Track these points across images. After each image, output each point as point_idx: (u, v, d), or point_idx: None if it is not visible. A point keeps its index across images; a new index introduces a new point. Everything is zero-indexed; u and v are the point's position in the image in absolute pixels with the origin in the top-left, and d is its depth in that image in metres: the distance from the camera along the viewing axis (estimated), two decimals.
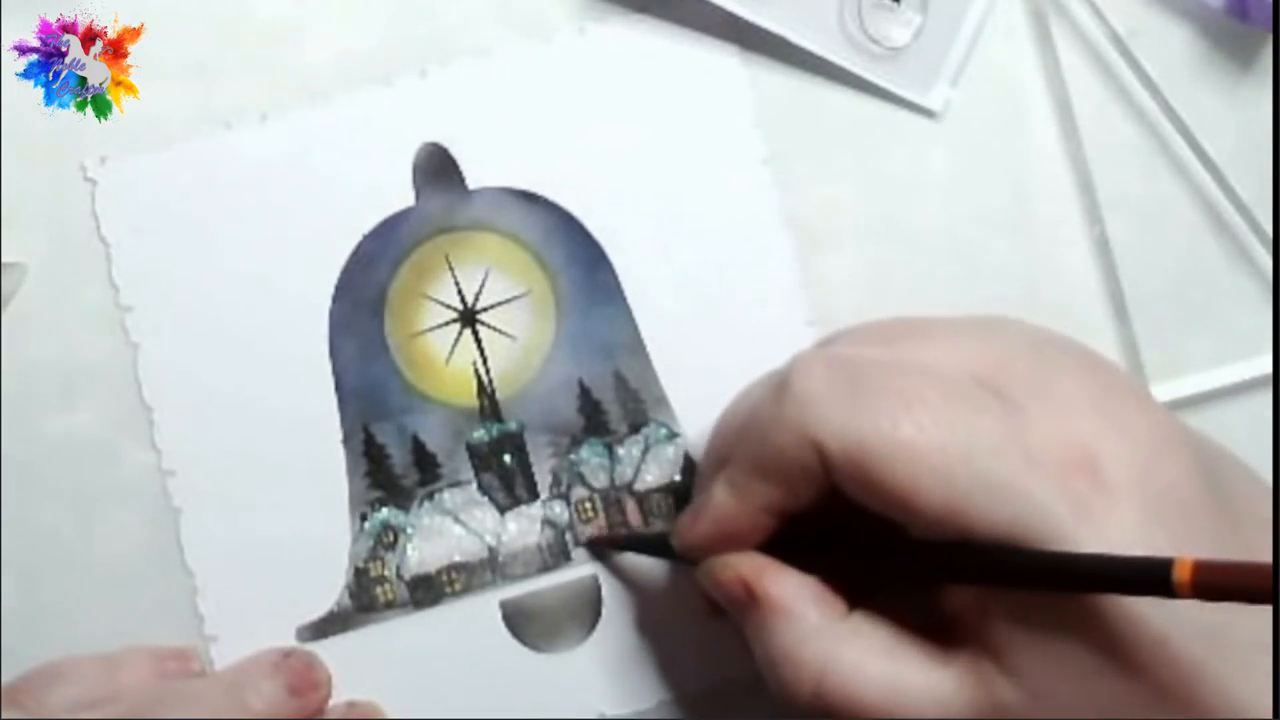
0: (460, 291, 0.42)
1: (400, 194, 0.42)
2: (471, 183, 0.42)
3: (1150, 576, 0.29)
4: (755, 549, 0.36)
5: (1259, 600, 0.27)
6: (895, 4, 0.42)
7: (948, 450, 0.32)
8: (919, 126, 0.43)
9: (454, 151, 0.42)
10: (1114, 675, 0.31)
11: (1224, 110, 0.43)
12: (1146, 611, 0.30)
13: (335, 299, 0.42)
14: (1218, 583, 0.28)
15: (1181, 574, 0.28)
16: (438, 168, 0.42)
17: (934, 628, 0.34)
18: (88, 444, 0.42)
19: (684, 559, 0.38)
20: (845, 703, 0.34)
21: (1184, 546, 0.30)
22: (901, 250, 0.43)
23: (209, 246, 0.42)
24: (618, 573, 0.42)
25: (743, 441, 0.36)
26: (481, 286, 0.42)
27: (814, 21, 0.42)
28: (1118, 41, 0.42)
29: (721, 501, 0.36)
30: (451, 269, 0.42)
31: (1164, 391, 0.42)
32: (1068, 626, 0.31)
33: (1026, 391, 0.33)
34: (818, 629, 0.34)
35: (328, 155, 0.42)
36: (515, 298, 0.42)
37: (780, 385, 0.34)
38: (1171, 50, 0.43)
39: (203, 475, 0.42)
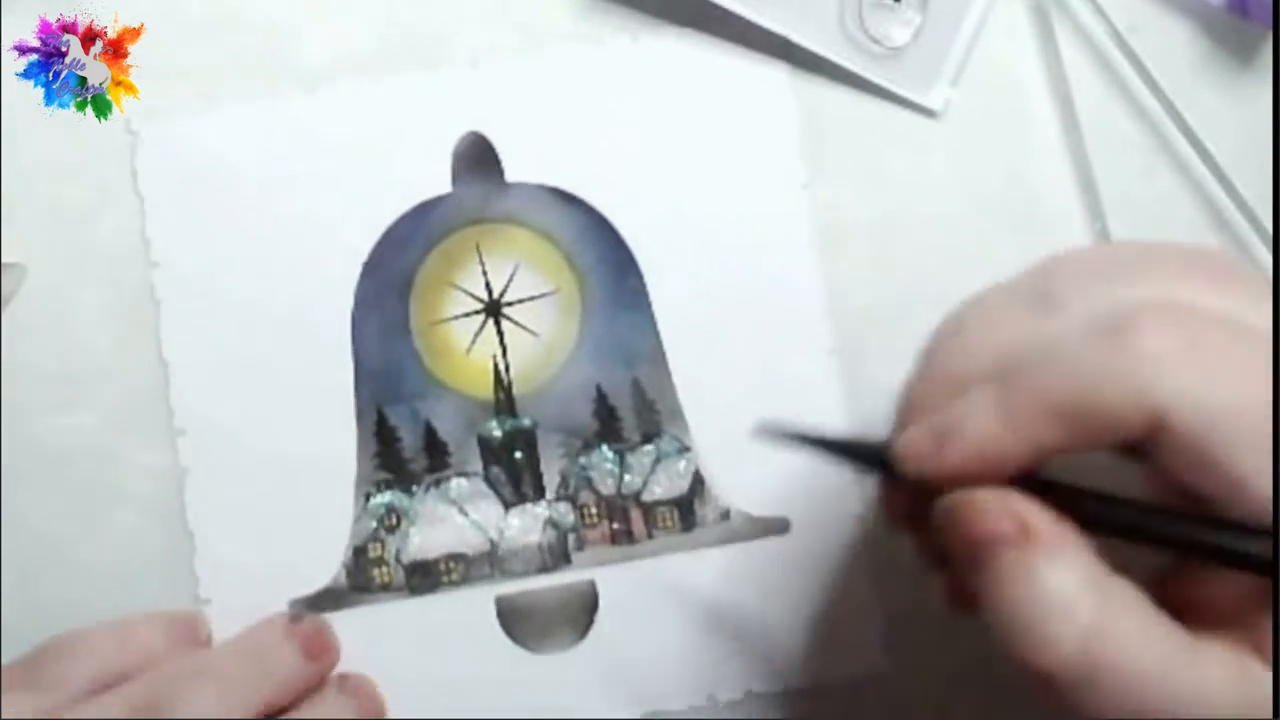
0: (488, 283, 0.42)
1: (438, 179, 0.42)
2: (510, 175, 0.42)
3: None
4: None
5: None
6: (895, 4, 0.42)
7: None
8: (919, 126, 0.43)
9: (495, 143, 0.42)
10: None
11: (1225, 107, 0.43)
12: None
13: (363, 277, 0.42)
14: None
15: None
16: (478, 157, 0.42)
17: (1177, 611, 0.31)
18: (88, 444, 0.42)
19: (896, 473, 0.33)
20: (1112, 670, 0.29)
21: None
22: (902, 250, 0.43)
23: (244, 210, 0.42)
24: (621, 578, 0.42)
25: (1032, 372, 0.31)
26: (509, 280, 0.42)
27: (814, 21, 0.42)
28: (1119, 39, 0.42)
29: (987, 430, 0.31)
30: (481, 260, 0.42)
31: None
32: None
33: None
34: (1091, 581, 0.30)
35: (371, 133, 0.42)
36: (542, 295, 0.42)
37: (1114, 332, 0.30)
38: (1172, 47, 0.43)
39: (212, 437, 0.41)
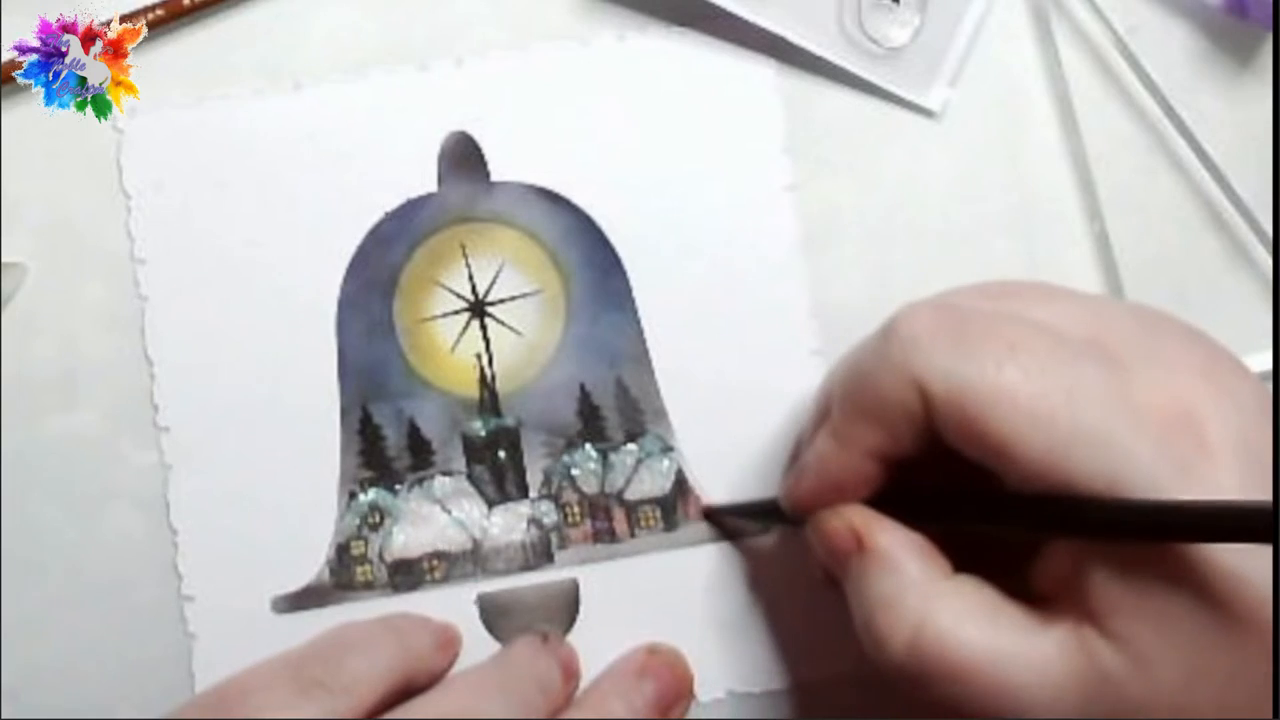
0: (473, 282, 0.42)
1: (424, 178, 0.42)
2: (495, 175, 0.42)
3: (1257, 523, 0.28)
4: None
5: None
6: (894, 4, 0.42)
7: (1050, 399, 0.31)
8: (919, 126, 0.43)
9: (481, 142, 0.42)
10: (1217, 635, 0.30)
11: (1223, 108, 0.43)
12: (1250, 571, 0.30)
13: (348, 275, 0.42)
14: None
15: None
16: (463, 156, 0.42)
17: (1034, 602, 0.33)
18: (88, 444, 0.42)
19: (792, 519, 0.38)
20: (939, 661, 0.33)
21: None
22: (901, 250, 0.43)
23: (229, 207, 0.42)
24: (603, 577, 0.42)
25: (845, 389, 0.35)
26: (494, 279, 0.42)
27: (813, 21, 0.42)
28: (1117, 39, 0.42)
29: (825, 450, 0.35)
30: (466, 259, 0.42)
31: None
32: (1170, 585, 0.31)
33: (1132, 351, 0.33)
34: (919, 582, 0.34)
35: (357, 132, 0.42)
36: (527, 294, 0.42)
37: (885, 330, 0.34)
38: (1171, 48, 0.43)
39: (198, 433, 0.42)
